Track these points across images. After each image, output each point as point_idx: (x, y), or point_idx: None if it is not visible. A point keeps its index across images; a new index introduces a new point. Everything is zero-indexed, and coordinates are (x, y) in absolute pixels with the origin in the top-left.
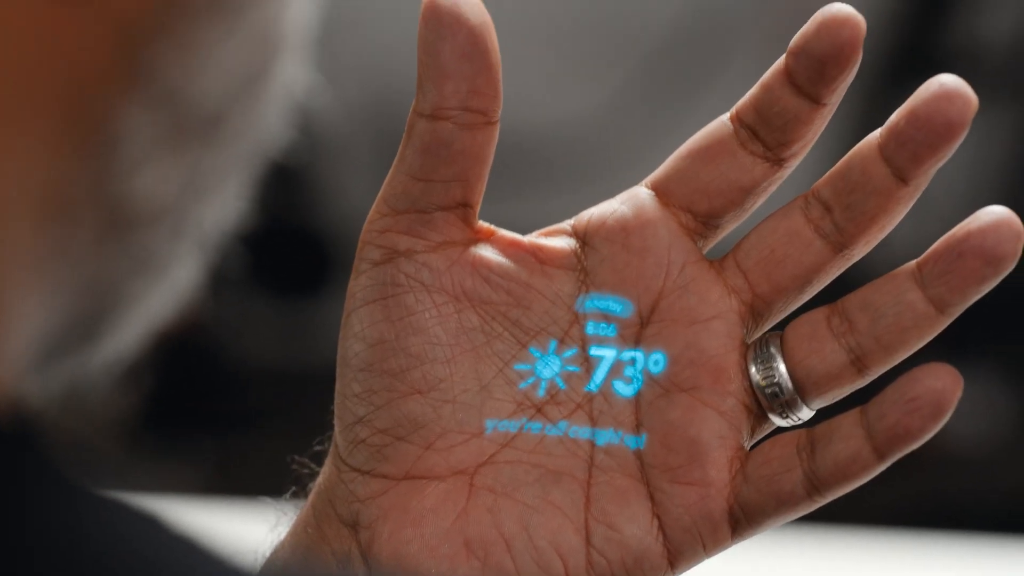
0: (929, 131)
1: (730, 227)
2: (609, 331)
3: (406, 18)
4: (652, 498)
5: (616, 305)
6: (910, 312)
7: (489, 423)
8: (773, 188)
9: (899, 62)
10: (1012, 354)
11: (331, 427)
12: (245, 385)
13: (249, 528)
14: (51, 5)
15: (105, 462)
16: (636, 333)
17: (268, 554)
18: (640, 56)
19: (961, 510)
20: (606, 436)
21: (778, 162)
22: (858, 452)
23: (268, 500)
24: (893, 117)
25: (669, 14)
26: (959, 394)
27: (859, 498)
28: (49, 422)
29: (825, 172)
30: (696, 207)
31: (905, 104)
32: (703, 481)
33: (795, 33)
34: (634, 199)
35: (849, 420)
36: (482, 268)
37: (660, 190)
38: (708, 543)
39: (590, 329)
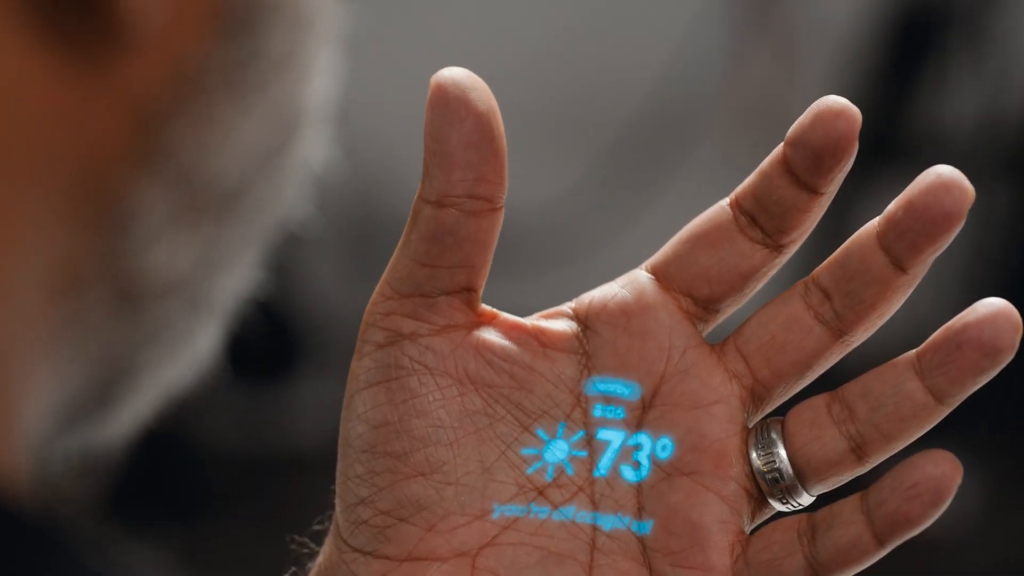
0: (927, 222)
1: (729, 311)
2: (617, 414)
3: (380, 105)
4: None
5: (623, 388)
6: (909, 402)
7: (497, 508)
8: (772, 273)
9: (864, 148)
10: (980, 437)
11: (298, 514)
12: (211, 470)
13: None
14: (68, 85)
15: (101, 542)
16: (638, 417)
17: None
18: (606, 141)
19: None
20: (612, 521)
21: (777, 248)
22: (859, 538)
23: None
24: (891, 207)
25: (635, 101)
26: (959, 481)
27: None
28: (59, 499)
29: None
30: (696, 292)
31: (902, 195)
32: (705, 566)
33: (757, 122)
34: (634, 283)
35: (850, 506)
36: (485, 351)
37: (660, 274)
38: None
39: (597, 412)
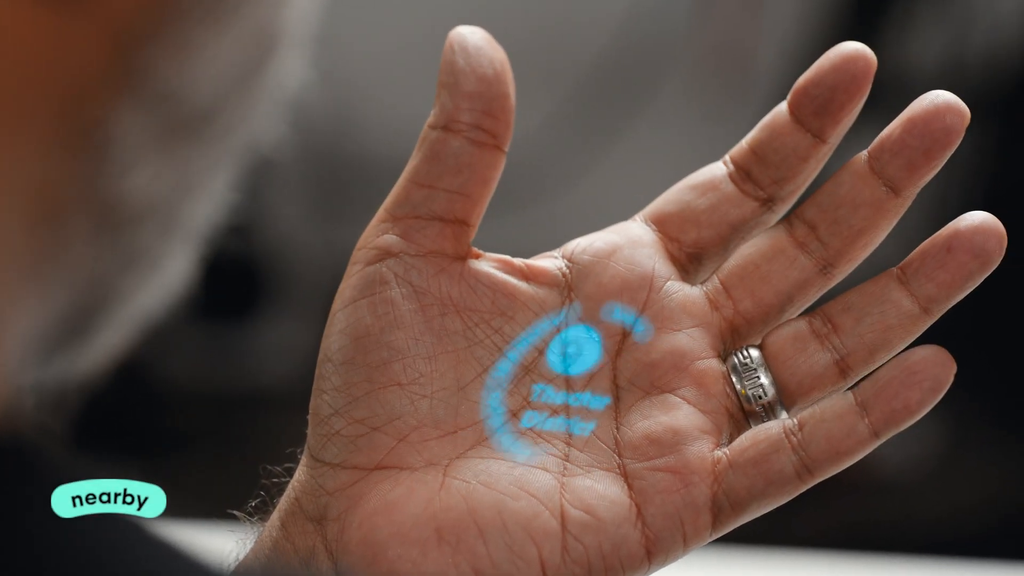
0: (926, 136)
1: (709, 269)
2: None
3: (344, 48)
4: (631, 486)
5: (618, 313)
6: (895, 310)
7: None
8: (757, 231)
9: None
10: None
11: (259, 451)
12: (174, 407)
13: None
14: (46, 12)
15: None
16: (619, 343)
17: (237, 562)
18: (573, 81)
19: (888, 534)
20: (579, 426)
21: (767, 202)
22: (852, 428)
23: (237, 513)
24: (885, 131)
25: (600, 43)
26: (954, 371)
27: (787, 521)
28: (36, 426)
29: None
30: (684, 235)
31: (899, 117)
32: (685, 468)
33: (723, 61)
34: (623, 227)
35: (840, 399)
36: (470, 278)
37: (650, 219)
38: (689, 531)
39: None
